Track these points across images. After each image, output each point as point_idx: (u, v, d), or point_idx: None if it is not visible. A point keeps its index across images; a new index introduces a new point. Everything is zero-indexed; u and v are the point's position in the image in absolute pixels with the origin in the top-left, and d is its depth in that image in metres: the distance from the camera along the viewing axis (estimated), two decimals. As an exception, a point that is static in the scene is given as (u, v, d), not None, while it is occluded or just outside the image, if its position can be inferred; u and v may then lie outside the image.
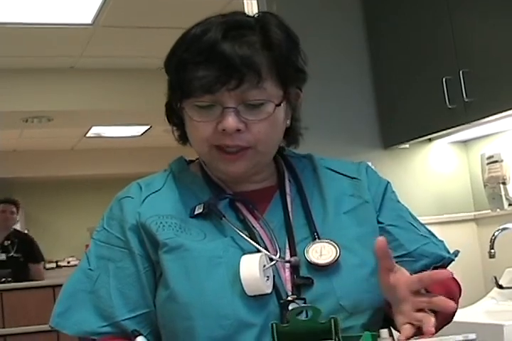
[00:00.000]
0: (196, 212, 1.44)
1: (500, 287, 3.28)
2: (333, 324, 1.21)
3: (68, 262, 10.15)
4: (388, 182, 1.60)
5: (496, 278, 3.27)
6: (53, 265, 10.16)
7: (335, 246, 1.40)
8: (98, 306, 1.42)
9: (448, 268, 1.53)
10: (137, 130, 8.76)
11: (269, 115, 1.40)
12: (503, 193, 3.37)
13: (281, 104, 1.42)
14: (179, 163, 1.57)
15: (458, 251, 1.55)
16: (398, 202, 1.59)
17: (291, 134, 1.52)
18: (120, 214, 1.48)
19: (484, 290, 3.50)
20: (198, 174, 1.52)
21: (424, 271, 1.44)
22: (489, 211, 3.55)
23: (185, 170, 1.54)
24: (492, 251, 3.17)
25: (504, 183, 3.36)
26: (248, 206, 1.47)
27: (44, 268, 9.61)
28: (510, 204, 3.40)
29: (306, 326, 1.21)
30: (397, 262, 1.44)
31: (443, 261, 1.51)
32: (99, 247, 1.49)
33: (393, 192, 1.59)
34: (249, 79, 1.35)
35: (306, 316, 1.34)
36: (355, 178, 1.56)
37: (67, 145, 9.62)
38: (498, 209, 3.45)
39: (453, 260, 1.53)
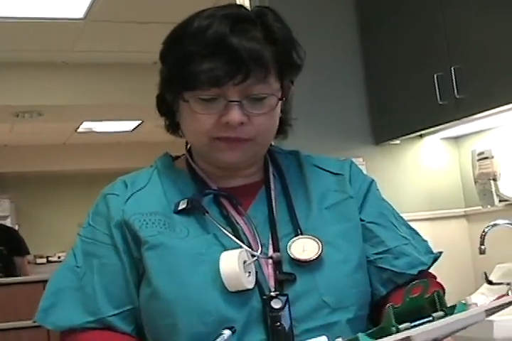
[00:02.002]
0: (180, 208, 1.43)
1: (490, 283, 3.28)
2: (436, 297, 1.19)
3: (59, 257, 10.13)
4: (373, 180, 1.60)
5: (486, 274, 3.27)
6: (44, 260, 10.15)
7: (317, 242, 1.40)
8: (84, 302, 1.42)
9: (437, 264, 1.54)
10: (128, 125, 8.75)
11: (272, 109, 1.41)
12: (493, 189, 3.38)
13: (282, 95, 1.44)
14: (165, 159, 1.57)
15: (440, 253, 1.55)
16: (382, 200, 1.59)
17: (281, 126, 1.52)
18: (106, 211, 1.47)
19: (474, 286, 3.51)
20: (183, 170, 1.52)
21: (405, 269, 1.47)
22: (480, 207, 3.55)
23: (171, 166, 1.54)
24: (482, 247, 3.18)
25: (495, 179, 3.36)
26: (232, 202, 1.47)
27: (34, 262, 9.63)
28: (500, 201, 3.40)
29: (414, 303, 1.18)
30: (377, 259, 1.48)
31: (422, 266, 1.49)
32: (85, 243, 1.48)
33: (377, 190, 1.59)
34: (255, 74, 1.36)
35: (286, 306, 1.34)
36: (339, 174, 1.56)
37: (58, 140, 9.60)
38: (488, 206, 3.46)
39: (430, 265, 1.52)
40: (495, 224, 3.24)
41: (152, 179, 1.51)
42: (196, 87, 1.37)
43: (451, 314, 1.16)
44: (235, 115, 1.37)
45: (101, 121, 8.35)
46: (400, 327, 1.12)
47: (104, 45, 6.05)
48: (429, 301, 1.19)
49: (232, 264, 1.33)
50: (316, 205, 1.49)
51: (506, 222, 3.28)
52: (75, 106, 6.97)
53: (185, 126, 1.46)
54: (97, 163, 10.09)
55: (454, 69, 3.10)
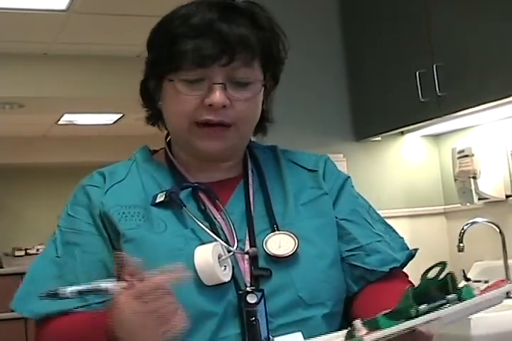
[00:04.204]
0: (158, 200, 1.43)
1: (468, 280, 3.29)
2: (450, 280, 1.18)
3: (37, 250, 10.06)
4: (348, 177, 1.60)
5: (464, 271, 3.28)
6: (22, 253, 10.09)
7: (293, 238, 1.41)
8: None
9: (414, 261, 1.53)
10: (109, 118, 8.71)
11: (255, 95, 1.43)
12: (473, 187, 3.39)
13: (264, 87, 1.45)
14: (143, 152, 1.57)
15: (415, 251, 1.54)
16: (356, 197, 1.60)
17: (261, 122, 1.53)
18: (87, 201, 1.47)
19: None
20: (162, 163, 1.52)
21: (377, 266, 1.46)
22: (459, 205, 3.57)
23: (149, 160, 1.54)
24: (461, 244, 3.20)
25: (474, 177, 3.38)
26: (210, 196, 1.47)
27: (12, 255, 9.59)
28: (479, 199, 3.42)
29: (428, 285, 1.18)
30: (349, 256, 1.48)
31: (394, 263, 1.49)
32: (66, 234, 1.48)
33: (352, 186, 1.60)
34: (241, 57, 1.38)
35: (261, 301, 1.35)
36: (313, 171, 1.56)
37: (38, 132, 9.54)
38: (467, 204, 3.48)
39: (404, 262, 1.51)
40: (474, 222, 3.26)
41: (131, 172, 1.51)
42: (182, 67, 1.38)
43: (462, 297, 1.16)
44: (218, 97, 1.37)
45: (82, 113, 8.30)
46: (420, 308, 1.11)
47: (87, 37, 6.00)
48: (440, 284, 1.18)
49: (206, 257, 1.33)
50: (292, 201, 1.49)
51: (485, 219, 3.30)
52: (56, 98, 6.92)
53: (168, 109, 1.46)
54: (77, 156, 10.03)
55: (436, 66, 3.11)
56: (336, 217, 1.51)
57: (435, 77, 3.11)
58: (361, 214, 1.55)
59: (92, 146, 9.97)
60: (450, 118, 3.25)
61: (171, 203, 1.43)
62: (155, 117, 1.53)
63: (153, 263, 1.33)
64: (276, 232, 1.43)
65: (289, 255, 1.39)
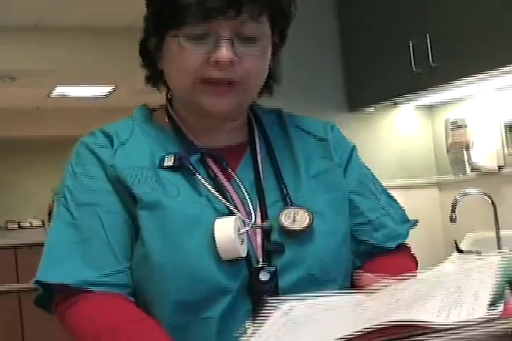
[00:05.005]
0: (166, 164, 1.37)
1: (461, 251, 3.31)
2: None
3: (31, 223, 10.08)
4: (354, 146, 1.55)
5: (456, 242, 3.30)
6: (15, 226, 10.09)
7: (308, 213, 1.35)
8: (91, 256, 1.31)
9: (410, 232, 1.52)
10: (102, 90, 8.68)
11: (264, 51, 1.36)
12: (465, 158, 3.39)
13: (272, 44, 1.39)
14: (143, 112, 1.49)
15: (416, 222, 1.53)
16: (362, 167, 1.55)
17: (267, 82, 1.45)
18: (96, 160, 1.39)
19: (445, 254, 3.53)
20: (165, 125, 1.45)
21: (383, 242, 1.44)
22: (452, 176, 3.57)
23: (150, 120, 1.47)
24: (453, 215, 3.21)
25: (467, 149, 3.38)
26: (219, 163, 1.40)
27: (5, 228, 9.59)
28: (472, 170, 3.42)
29: None
30: (357, 230, 1.44)
31: (400, 239, 1.47)
32: (78, 194, 1.38)
33: (358, 156, 1.55)
34: (249, 10, 1.30)
35: (274, 278, 1.30)
36: (323, 139, 1.50)
37: (31, 104, 9.50)
38: (460, 175, 3.48)
39: (407, 236, 1.50)
40: (466, 193, 3.26)
41: (134, 132, 1.43)
42: (186, 21, 1.30)
43: None
44: (225, 52, 1.29)
45: (74, 85, 8.27)
46: None
47: (79, 8, 5.95)
48: None
49: (228, 232, 1.29)
50: (303, 172, 1.43)
51: (477, 190, 3.30)
52: (48, 71, 6.88)
53: (171, 67, 1.38)
54: (70, 129, 9.96)
55: (430, 37, 3.09)
56: None
57: (428, 47, 3.10)
58: (367, 186, 1.51)
59: (86, 119, 9.91)
60: (443, 89, 3.25)
61: (180, 168, 1.36)
62: (156, 78, 1.45)
63: (170, 231, 1.30)
64: (290, 206, 1.37)
65: (304, 230, 1.34)
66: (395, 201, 1.55)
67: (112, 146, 1.40)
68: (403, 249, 1.50)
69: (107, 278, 1.30)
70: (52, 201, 1.45)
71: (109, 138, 1.41)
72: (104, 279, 1.30)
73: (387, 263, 1.42)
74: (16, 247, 6.11)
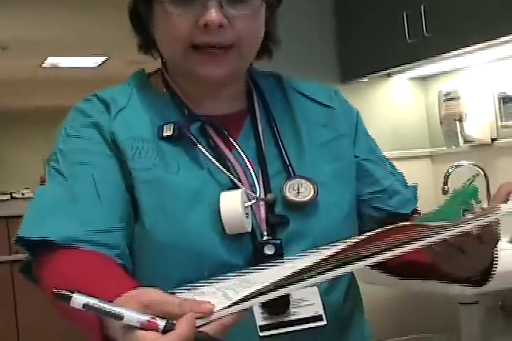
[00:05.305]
0: (165, 134, 1.30)
1: (452, 223, 3.31)
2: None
3: (23, 194, 10.09)
4: (358, 112, 1.50)
5: (448, 214, 3.30)
6: (7, 197, 10.10)
7: (312, 184, 1.31)
8: (79, 213, 1.23)
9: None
10: (94, 61, 8.64)
11: (255, 11, 1.29)
12: (458, 130, 3.38)
13: (266, 4, 1.33)
14: (140, 77, 1.42)
15: (416, 186, 1.49)
16: (368, 133, 1.51)
17: (265, 44, 1.39)
18: (94, 123, 1.32)
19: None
20: (162, 91, 1.38)
21: (399, 208, 1.41)
22: (444, 148, 3.57)
23: (148, 87, 1.40)
24: (445, 187, 3.21)
25: (460, 120, 3.37)
26: (220, 132, 1.35)
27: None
28: (465, 142, 3.42)
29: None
30: (372, 198, 1.41)
31: (412, 203, 1.44)
32: (71, 155, 1.30)
33: (362, 122, 1.50)
34: None
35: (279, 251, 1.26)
36: (328, 106, 1.44)
37: (23, 75, 9.46)
38: (453, 146, 3.47)
39: (416, 200, 1.46)
40: (459, 165, 3.26)
41: (132, 99, 1.36)
42: None
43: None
44: (214, 14, 1.23)
45: (66, 56, 8.23)
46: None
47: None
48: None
49: (235, 205, 1.24)
50: (306, 141, 1.37)
51: (470, 162, 3.30)
52: (39, 41, 6.86)
53: (160, 34, 1.32)
54: (62, 99, 9.94)
55: (424, 7, 3.07)
56: (357, 157, 1.42)
57: (422, 18, 3.08)
58: (377, 153, 1.48)
59: (78, 90, 9.88)
60: (437, 60, 3.23)
61: (180, 139, 1.30)
62: (148, 45, 1.40)
63: (170, 208, 1.25)
64: (294, 177, 1.32)
65: (309, 202, 1.30)
66: (394, 166, 1.51)
67: (109, 113, 1.33)
68: (417, 214, 1.45)
69: (93, 236, 1.20)
70: (45, 172, 1.35)
71: (106, 104, 1.34)
72: (89, 236, 1.20)
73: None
74: (8, 218, 6.09)
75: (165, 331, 0.90)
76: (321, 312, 1.25)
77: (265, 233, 1.28)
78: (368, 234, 0.96)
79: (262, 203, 1.30)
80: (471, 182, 1.17)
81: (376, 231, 0.97)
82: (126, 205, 1.27)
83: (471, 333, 3.14)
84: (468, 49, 2.98)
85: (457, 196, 1.17)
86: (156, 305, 0.93)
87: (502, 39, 2.82)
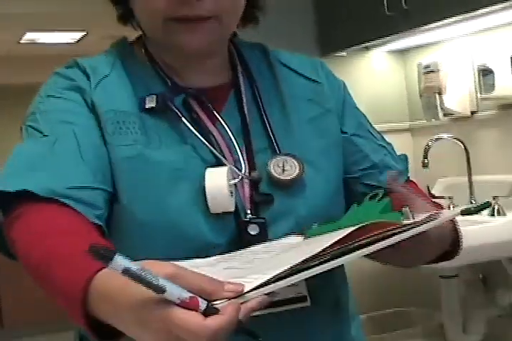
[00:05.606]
0: (148, 106, 1.25)
1: (433, 196, 3.31)
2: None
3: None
4: (344, 83, 1.46)
5: (428, 187, 3.30)
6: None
7: (298, 162, 1.27)
8: (59, 169, 1.16)
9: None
10: (73, 36, 8.56)
11: None
12: (438, 103, 3.36)
13: None
14: (123, 46, 1.37)
15: (406, 157, 1.45)
16: (355, 105, 1.46)
17: (249, 11, 1.35)
18: (76, 86, 1.26)
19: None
20: (144, 62, 1.33)
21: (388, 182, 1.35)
22: (424, 121, 3.55)
23: (131, 56, 1.34)
24: (425, 160, 3.19)
25: (440, 93, 3.35)
26: (204, 106, 1.29)
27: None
28: (445, 115, 3.40)
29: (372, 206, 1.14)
30: (363, 175, 1.37)
31: (403, 177, 1.40)
32: (52, 113, 1.24)
33: (349, 93, 1.46)
34: None
35: (263, 230, 1.22)
36: (314, 81, 1.39)
37: (1, 51, 9.37)
38: (432, 120, 3.46)
39: (407, 172, 1.43)
40: (438, 138, 3.25)
41: (115, 68, 1.30)
42: None
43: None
44: None
45: (44, 31, 8.14)
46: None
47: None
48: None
49: (221, 183, 1.20)
50: (292, 117, 1.33)
51: (450, 136, 3.29)
52: (16, 15, 6.77)
53: (138, 7, 1.27)
54: (41, 76, 9.86)
55: (403, -21, 3.04)
56: (346, 133, 1.38)
57: (401, -11, 3.05)
58: (365, 126, 1.43)
59: (57, 66, 9.83)
60: (416, 33, 3.21)
61: (163, 111, 1.25)
62: (126, 16, 1.35)
63: (151, 187, 1.20)
64: (279, 154, 1.28)
65: (295, 180, 1.26)
66: (384, 138, 1.47)
67: (90, 82, 1.27)
68: (410, 185, 1.41)
69: (72, 191, 1.13)
70: None
71: (86, 73, 1.29)
72: (69, 192, 1.13)
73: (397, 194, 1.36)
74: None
75: (205, 313, 0.82)
76: (305, 293, 1.22)
77: (249, 212, 1.24)
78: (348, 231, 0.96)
79: (246, 181, 1.26)
80: (382, 197, 1.13)
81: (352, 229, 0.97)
82: (107, 170, 1.21)
83: (452, 306, 3.15)
84: (446, 21, 2.97)
85: (362, 210, 1.14)
86: (183, 278, 0.84)
87: (481, 11, 2.81)
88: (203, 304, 0.82)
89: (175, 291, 0.81)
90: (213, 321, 0.81)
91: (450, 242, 1.24)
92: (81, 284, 0.92)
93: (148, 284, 0.81)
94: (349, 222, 1.06)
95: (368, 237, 0.95)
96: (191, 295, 0.82)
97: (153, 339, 0.85)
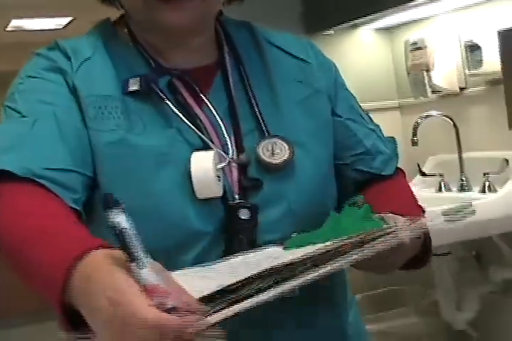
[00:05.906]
0: (131, 89, 1.22)
1: (424, 174, 3.30)
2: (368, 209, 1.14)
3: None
4: (334, 64, 1.44)
5: (419, 165, 3.29)
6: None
7: (288, 144, 1.24)
8: (38, 149, 1.14)
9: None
10: (59, 22, 8.51)
11: None
12: (426, 80, 3.34)
13: None
14: (105, 26, 1.33)
15: (395, 140, 1.43)
16: (346, 87, 1.44)
17: None
18: (57, 67, 1.23)
19: (408, 177, 3.52)
20: (127, 43, 1.30)
21: (382, 169, 1.36)
22: (413, 99, 3.53)
23: (114, 36, 1.31)
24: (415, 138, 3.17)
25: (428, 70, 3.32)
26: (190, 87, 1.26)
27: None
28: (433, 92, 3.38)
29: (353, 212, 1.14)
30: (356, 161, 1.35)
31: (393, 162, 1.39)
32: (32, 94, 1.22)
33: (341, 75, 1.43)
34: None
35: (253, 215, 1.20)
36: (303, 60, 1.36)
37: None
38: (421, 97, 3.43)
39: (397, 157, 1.41)
40: (427, 116, 3.23)
41: (98, 50, 1.27)
42: None
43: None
44: None
45: (30, 18, 8.09)
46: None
47: None
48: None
49: (207, 168, 1.17)
50: (282, 98, 1.30)
51: (439, 113, 3.27)
52: (1, 3, 6.72)
53: None
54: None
55: (388, -46, 3.02)
56: (340, 116, 1.35)
57: (386, -35, 3.03)
58: (357, 110, 1.41)
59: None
60: (403, 9, 3.19)
61: (147, 94, 1.22)
62: None
63: (135, 173, 1.18)
64: (268, 136, 1.24)
65: (284, 163, 1.23)
66: (372, 120, 1.44)
67: (71, 64, 1.24)
68: (397, 172, 1.41)
69: (49, 172, 1.11)
70: None
71: (67, 55, 1.26)
72: (47, 173, 1.11)
73: (387, 186, 1.34)
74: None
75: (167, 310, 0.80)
76: None
77: (237, 197, 1.21)
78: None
79: (234, 165, 1.23)
80: (363, 203, 1.14)
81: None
82: (87, 154, 1.18)
83: (445, 284, 3.15)
84: (433, -4, 2.94)
85: (343, 218, 1.14)
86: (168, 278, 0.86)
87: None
88: (170, 302, 0.80)
89: (151, 277, 0.82)
90: (168, 316, 0.80)
91: (420, 248, 1.24)
92: (65, 265, 0.90)
93: (133, 252, 0.83)
94: (331, 232, 1.06)
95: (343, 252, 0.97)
96: (165, 287, 0.82)
97: (102, 320, 0.84)
